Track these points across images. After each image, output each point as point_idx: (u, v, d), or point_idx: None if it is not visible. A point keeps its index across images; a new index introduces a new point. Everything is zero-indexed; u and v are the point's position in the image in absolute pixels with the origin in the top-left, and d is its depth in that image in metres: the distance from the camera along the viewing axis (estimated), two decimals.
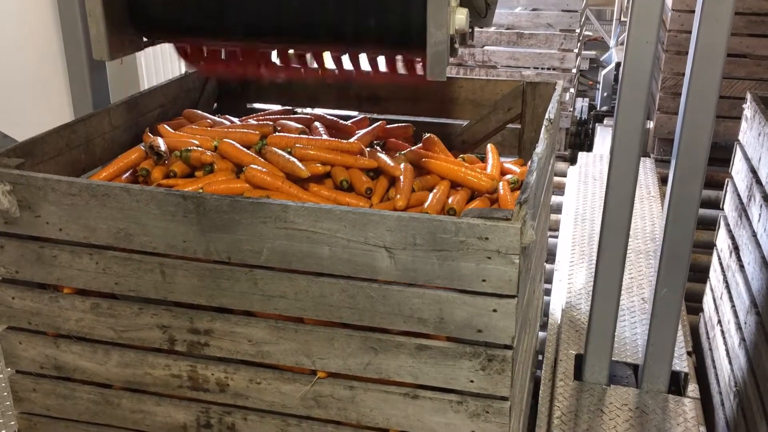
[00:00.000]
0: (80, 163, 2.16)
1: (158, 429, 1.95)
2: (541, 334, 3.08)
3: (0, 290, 1.90)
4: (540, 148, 1.94)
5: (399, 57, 1.89)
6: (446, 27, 1.70)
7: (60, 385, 1.98)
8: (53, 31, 3.62)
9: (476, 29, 1.99)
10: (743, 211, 2.68)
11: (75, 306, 1.87)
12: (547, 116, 2.20)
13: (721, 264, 2.93)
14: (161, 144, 2.09)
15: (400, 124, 2.55)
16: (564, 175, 4.63)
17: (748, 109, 2.78)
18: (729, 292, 2.73)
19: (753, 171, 2.62)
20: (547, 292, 3.34)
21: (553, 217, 4.11)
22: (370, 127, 2.41)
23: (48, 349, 1.94)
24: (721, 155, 3.78)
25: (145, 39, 2.03)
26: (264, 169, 1.98)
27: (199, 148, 2.08)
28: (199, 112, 2.52)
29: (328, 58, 2.05)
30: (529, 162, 1.87)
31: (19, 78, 3.59)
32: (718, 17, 2.07)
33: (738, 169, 2.85)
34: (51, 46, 3.65)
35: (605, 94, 6.96)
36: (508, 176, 2.24)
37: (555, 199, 4.34)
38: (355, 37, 1.79)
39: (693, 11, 2.23)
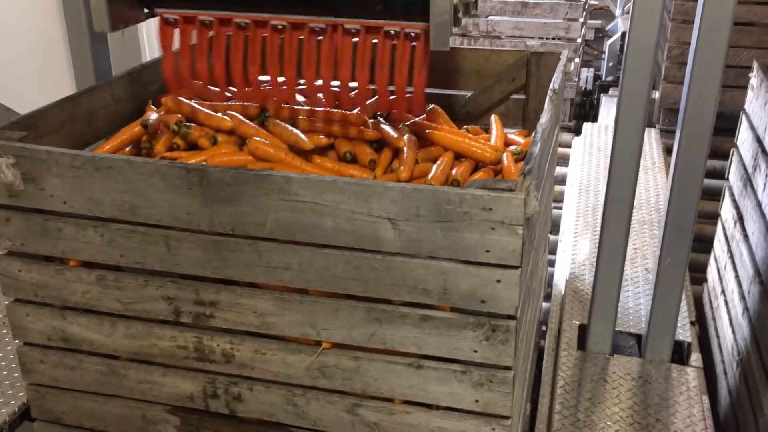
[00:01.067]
0: (83, 136, 2.15)
1: (165, 399, 1.98)
2: (544, 305, 3.09)
3: (6, 263, 1.91)
4: (544, 118, 1.93)
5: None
6: None
7: (67, 356, 2.00)
8: (54, 3, 3.60)
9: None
10: (748, 180, 2.67)
11: (81, 278, 1.88)
12: (551, 87, 2.18)
13: (725, 234, 2.92)
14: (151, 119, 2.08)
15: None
16: (569, 146, 4.61)
17: (755, 78, 2.76)
18: (733, 262, 2.73)
19: (758, 140, 2.61)
20: (551, 263, 3.35)
21: (558, 188, 4.10)
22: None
23: (55, 321, 1.96)
24: (727, 125, 3.76)
25: (146, 10, 2.01)
26: (267, 141, 1.97)
27: (199, 127, 2.06)
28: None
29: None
30: (533, 133, 1.86)
31: (21, 51, 3.58)
32: None
33: (743, 138, 2.83)
34: (52, 18, 3.63)
35: (611, 64, 6.91)
36: (512, 147, 2.24)
37: (559, 170, 4.33)
38: (358, 6, 1.77)
39: None
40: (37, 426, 2.12)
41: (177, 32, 1.98)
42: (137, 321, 1.91)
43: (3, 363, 2.37)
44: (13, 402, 2.22)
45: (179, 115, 2.09)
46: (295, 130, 1.98)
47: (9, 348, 2.44)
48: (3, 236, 1.87)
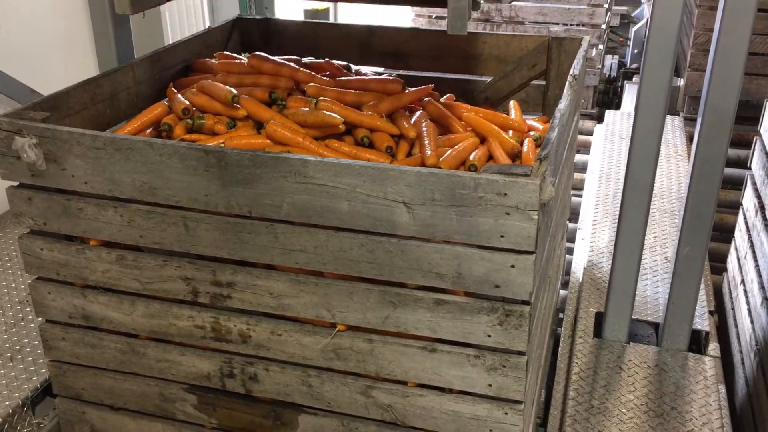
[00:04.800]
0: (105, 117, 2.18)
1: (183, 378, 2.01)
2: (562, 292, 3.08)
3: (29, 241, 1.95)
4: (563, 104, 1.92)
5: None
6: None
7: (88, 334, 2.04)
8: None
9: None
10: None
11: (101, 258, 1.91)
12: (571, 72, 2.17)
13: (746, 223, 2.89)
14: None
15: (420, 89, 2.44)
16: (590, 133, 4.57)
17: None
18: (753, 252, 2.70)
19: None
20: (570, 251, 3.33)
21: (578, 176, 4.07)
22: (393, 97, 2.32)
23: (76, 300, 1.99)
24: (753, 113, 3.70)
25: None
26: (284, 125, 1.98)
27: (213, 116, 2.08)
28: (230, 54, 2.50)
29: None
30: (551, 119, 1.85)
31: (44, 33, 3.62)
32: None
33: (767, 126, 2.79)
34: (75, 1, 3.66)
35: (636, 51, 6.81)
36: (532, 133, 2.23)
37: (581, 157, 4.30)
38: None
39: None
40: (58, 402, 2.17)
41: None
42: (156, 300, 1.94)
43: (26, 340, 2.42)
44: (35, 378, 2.27)
45: (186, 102, 2.10)
46: (325, 111, 1.97)
47: (32, 326, 2.49)
48: (25, 215, 1.90)
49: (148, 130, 2.14)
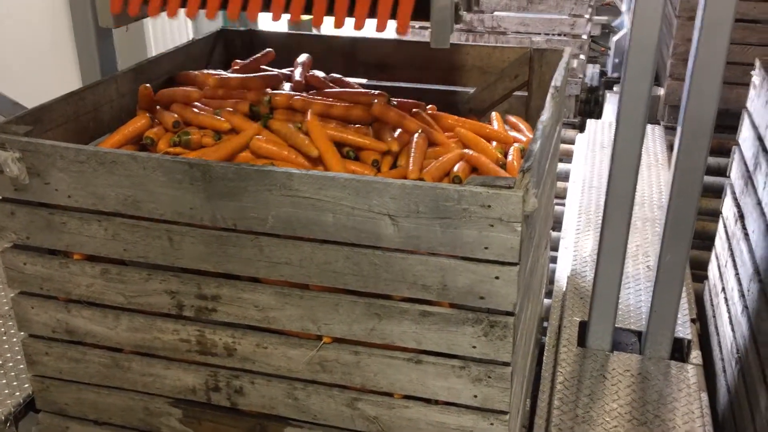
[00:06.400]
0: (88, 130, 2.17)
1: (168, 392, 2.00)
2: (546, 301, 3.10)
3: (12, 256, 1.93)
4: (545, 116, 1.94)
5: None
6: None
7: (71, 348, 2.02)
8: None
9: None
10: (749, 178, 2.67)
11: (85, 272, 1.90)
12: (553, 84, 2.19)
13: (726, 231, 2.93)
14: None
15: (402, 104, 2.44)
16: (572, 142, 4.61)
17: (756, 77, 2.76)
18: (733, 260, 2.74)
19: (760, 139, 2.61)
20: (553, 260, 3.35)
21: (561, 184, 4.10)
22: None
23: (59, 314, 1.98)
24: (732, 122, 3.75)
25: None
26: (268, 140, 1.99)
27: (198, 130, 2.07)
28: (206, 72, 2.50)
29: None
30: (534, 130, 1.87)
31: (28, 46, 3.61)
32: None
33: (745, 136, 2.84)
34: (58, 14, 3.65)
35: (616, 60, 6.88)
36: (516, 144, 2.25)
37: (563, 166, 4.33)
38: None
39: None
40: (41, 417, 2.15)
41: None
42: (140, 314, 1.93)
43: (9, 355, 2.40)
44: (18, 393, 2.25)
45: (175, 115, 2.10)
46: (301, 135, 1.98)
47: (14, 340, 2.47)
48: (8, 229, 1.89)
49: (131, 144, 2.14)
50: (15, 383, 2.28)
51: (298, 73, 2.42)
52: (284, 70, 2.52)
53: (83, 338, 2.00)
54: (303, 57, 2.61)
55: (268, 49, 2.64)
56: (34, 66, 3.64)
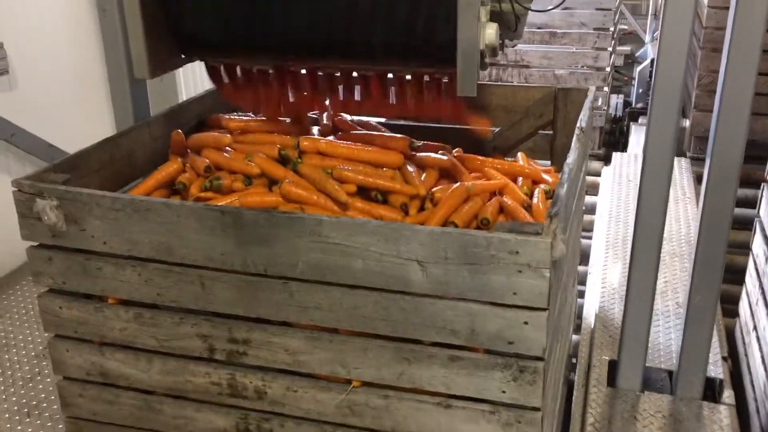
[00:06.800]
0: (123, 175, 2.23)
1: None
2: (574, 337, 3.08)
3: (48, 300, 1.98)
4: (571, 158, 1.96)
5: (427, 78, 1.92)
6: (476, 43, 1.73)
7: (105, 390, 2.06)
8: (96, 48, 3.75)
9: (506, 41, 2.01)
10: None
11: (119, 316, 1.94)
12: (578, 125, 2.20)
13: (756, 269, 2.90)
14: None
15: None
16: (598, 174, 4.60)
17: None
18: (765, 298, 2.71)
19: None
20: (581, 294, 3.34)
21: (587, 217, 4.09)
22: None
23: (93, 357, 2.02)
24: (759, 152, 3.72)
25: (183, 56, 2.09)
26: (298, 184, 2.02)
27: (229, 174, 2.12)
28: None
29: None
30: (560, 173, 1.88)
31: (61, 90, 3.72)
32: (754, 13, 2.04)
33: None
34: (93, 62, 3.77)
35: (640, 90, 6.88)
36: (543, 186, 2.25)
37: (589, 199, 4.32)
38: (384, 54, 1.82)
39: (728, 7, 2.20)
40: None
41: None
42: (172, 357, 1.96)
43: (43, 395, 2.44)
44: None
45: (206, 160, 2.15)
46: (331, 180, 2.02)
47: (48, 380, 2.51)
48: (45, 275, 1.94)
49: (163, 188, 2.18)
50: (49, 424, 2.32)
51: (325, 116, 2.46)
52: (312, 114, 2.57)
53: (116, 381, 2.03)
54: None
55: None
56: (71, 112, 3.74)
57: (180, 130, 2.33)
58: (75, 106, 3.81)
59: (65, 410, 2.11)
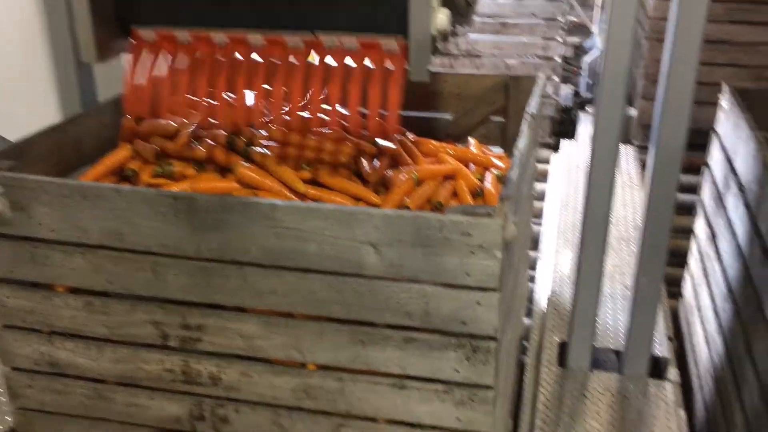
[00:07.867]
0: (71, 162, 2.18)
1: (152, 422, 2.00)
2: (526, 321, 3.14)
3: None
4: (521, 144, 1.99)
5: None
6: (428, 27, 1.74)
7: (55, 380, 2.02)
8: (39, 33, 3.63)
9: (457, 28, 2.03)
10: (720, 199, 2.74)
11: (68, 304, 1.91)
12: (528, 111, 2.24)
13: (699, 251, 3.00)
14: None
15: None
16: (548, 162, 4.68)
17: (724, 101, 2.84)
18: (707, 279, 2.80)
19: (729, 161, 2.69)
20: (532, 279, 3.40)
21: (538, 204, 4.16)
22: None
23: (42, 346, 1.98)
24: (702, 140, 3.84)
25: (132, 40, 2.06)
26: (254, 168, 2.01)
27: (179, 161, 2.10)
28: None
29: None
30: (512, 157, 1.92)
31: (7, 80, 3.60)
32: (696, 3, 2.10)
33: (715, 158, 2.91)
34: (37, 48, 3.65)
35: (589, 81, 7.01)
36: (494, 170, 2.29)
37: (539, 186, 4.39)
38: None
39: None
40: None
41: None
42: (124, 345, 1.93)
43: None
44: (0, 427, 2.23)
45: (156, 147, 2.12)
46: (289, 170, 2.01)
47: None
48: None
49: (112, 175, 2.15)
50: None
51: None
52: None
53: (66, 370, 1.99)
54: None
55: None
56: (10, 96, 3.63)
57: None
58: (18, 92, 3.70)
59: (13, 402, 2.07)
